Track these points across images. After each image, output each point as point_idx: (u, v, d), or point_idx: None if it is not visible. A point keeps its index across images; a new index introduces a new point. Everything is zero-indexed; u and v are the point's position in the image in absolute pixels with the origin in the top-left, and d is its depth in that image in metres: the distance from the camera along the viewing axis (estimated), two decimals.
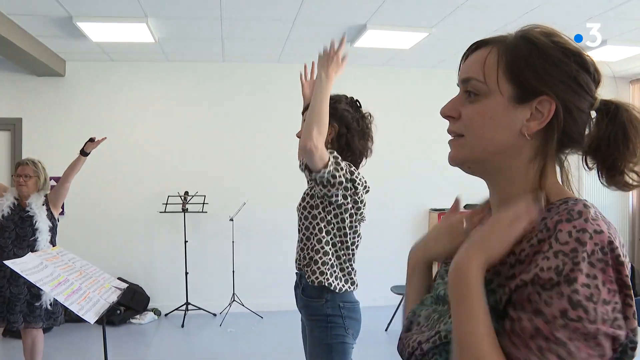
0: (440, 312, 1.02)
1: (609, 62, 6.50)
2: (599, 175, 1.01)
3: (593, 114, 0.99)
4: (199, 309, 6.41)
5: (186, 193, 6.39)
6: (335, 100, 2.44)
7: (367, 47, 6.02)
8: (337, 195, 2.34)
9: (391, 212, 6.87)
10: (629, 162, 0.97)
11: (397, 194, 6.78)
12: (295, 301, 2.58)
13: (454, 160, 1.04)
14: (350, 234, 2.44)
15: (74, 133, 6.57)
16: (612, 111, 0.97)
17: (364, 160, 2.55)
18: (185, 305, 6.36)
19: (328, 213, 2.41)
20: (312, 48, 6.21)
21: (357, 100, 2.55)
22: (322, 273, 2.38)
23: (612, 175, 0.99)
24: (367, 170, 2.55)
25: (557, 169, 1.01)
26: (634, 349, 0.88)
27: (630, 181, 0.98)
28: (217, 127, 6.72)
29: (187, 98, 6.74)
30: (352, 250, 2.48)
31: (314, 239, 2.41)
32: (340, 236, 2.43)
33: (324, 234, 2.40)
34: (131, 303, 6.26)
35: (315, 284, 2.39)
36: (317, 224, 2.41)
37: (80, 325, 5.72)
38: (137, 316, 6.28)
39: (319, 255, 2.39)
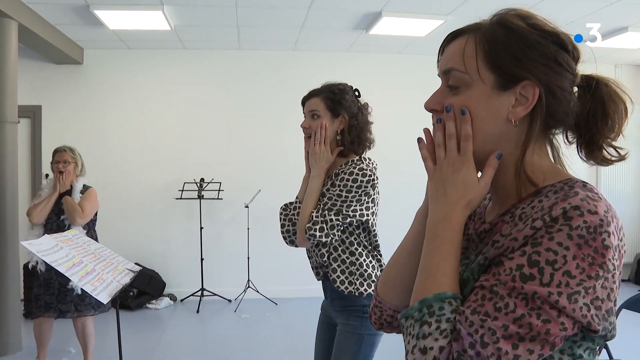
0: None
1: (632, 49, 6.43)
2: (578, 150, 1.01)
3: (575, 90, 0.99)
4: (214, 294, 6.49)
5: (202, 180, 6.44)
6: (342, 90, 2.36)
7: (382, 35, 6.00)
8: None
9: (406, 201, 6.83)
10: (606, 137, 0.97)
11: (411, 183, 6.74)
12: (323, 291, 2.49)
13: None
14: (373, 232, 2.38)
15: (91, 120, 6.67)
16: (593, 86, 0.97)
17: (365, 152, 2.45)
18: (200, 291, 6.43)
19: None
20: (327, 35, 6.26)
21: (356, 89, 2.46)
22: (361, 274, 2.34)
23: (591, 150, 0.99)
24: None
25: (549, 148, 1.01)
26: (603, 337, 0.89)
27: (609, 156, 0.99)
28: (232, 114, 6.75)
29: (203, 85, 6.79)
30: (378, 247, 2.42)
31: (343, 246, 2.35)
32: (368, 238, 2.37)
33: (353, 239, 2.34)
34: (147, 288, 6.34)
35: (354, 278, 2.32)
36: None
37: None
38: (153, 301, 6.36)
39: (355, 265, 2.33)
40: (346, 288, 2.30)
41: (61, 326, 4.69)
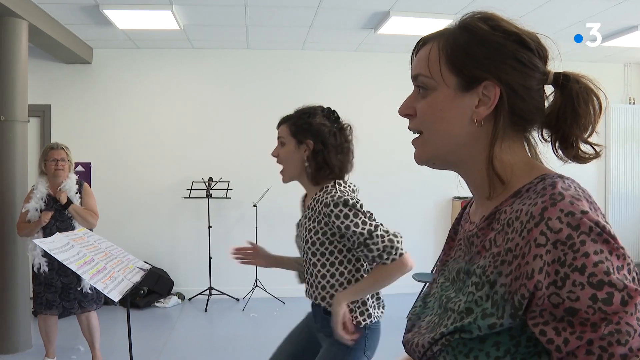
0: (440, 315, 1.01)
1: None
2: (552, 147, 1.01)
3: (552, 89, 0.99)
4: (222, 293, 6.50)
5: (210, 179, 6.46)
6: (309, 114, 2.30)
7: (391, 34, 5.99)
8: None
9: (414, 200, 6.86)
10: (579, 134, 0.96)
11: (420, 182, 6.75)
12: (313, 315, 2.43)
13: (419, 159, 1.06)
14: (363, 264, 2.26)
15: (100, 119, 6.70)
16: (563, 83, 0.97)
17: (346, 176, 2.33)
18: (208, 290, 6.45)
19: (340, 249, 2.23)
20: (335, 35, 6.27)
21: (334, 111, 2.35)
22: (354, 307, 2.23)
23: (564, 147, 0.99)
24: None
25: (526, 146, 1.01)
26: None
27: (582, 154, 0.98)
28: (241, 113, 6.76)
29: (211, 85, 6.80)
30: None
31: (330, 276, 2.23)
32: (356, 266, 2.25)
33: (342, 267, 2.23)
34: (156, 287, 6.37)
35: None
36: (334, 258, 2.23)
37: (108, 308, 5.85)
38: (162, 300, 6.39)
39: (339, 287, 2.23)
40: (321, 299, 2.24)
41: (67, 325, 4.72)
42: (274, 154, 2.35)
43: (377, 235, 2.09)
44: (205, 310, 6.18)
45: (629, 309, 0.76)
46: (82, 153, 6.28)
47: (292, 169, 2.30)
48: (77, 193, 4.22)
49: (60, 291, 4.14)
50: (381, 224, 2.15)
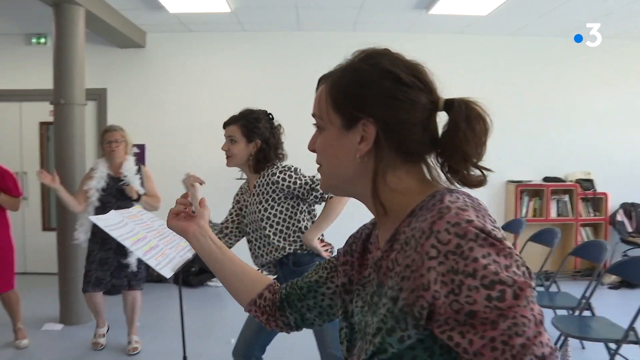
0: (363, 340, 1.02)
1: None
2: (442, 172, 1.04)
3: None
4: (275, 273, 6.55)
5: None
6: (256, 119, 2.88)
7: (443, 14, 5.89)
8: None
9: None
10: (464, 159, 0.99)
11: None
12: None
13: (323, 188, 1.14)
14: (312, 210, 2.95)
15: (154, 101, 6.83)
16: (450, 109, 1.00)
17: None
18: (260, 270, 6.52)
19: (296, 203, 2.85)
20: (386, 16, 6.18)
21: (270, 114, 2.99)
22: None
23: (454, 171, 1.02)
24: None
25: (425, 169, 1.04)
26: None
27: (469, 178, 1.01)
28: (291, 95, 6.75)
29: (262, 67, 6.84)
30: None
31: (294, 226, 2.84)
32: (310, 213, 2.92)
33: (302, 216, 2.86)
34: (206, 265, 6.48)
35: (305, 251, 2.83)
36: (294, 212, 2.84)
37: (160, 285, 6.02)
38: (214, 279, 6.50)
39: (302, 231, 2.84)
40: (289, 245, 2.80)
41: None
42: (224, 149, 2.93)
43: (315, 181, 2.77)
44: None
45: (521, 302, 0.80)
46: (137, 135, 6.38)
47: (239, 161, 2.89)
48: (136, 174, 4.36)
49: (114, 269, 4.30)
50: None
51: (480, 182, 1.01)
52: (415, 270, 0.87)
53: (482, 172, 1.01)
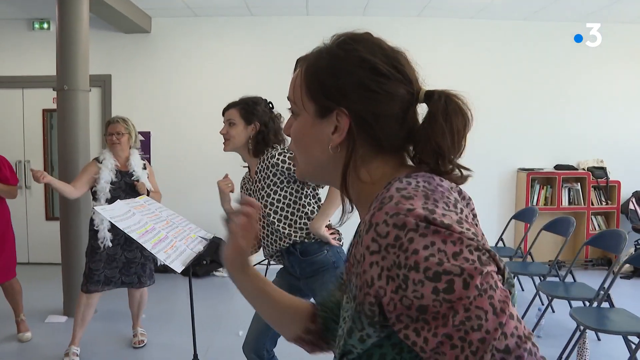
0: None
1: None
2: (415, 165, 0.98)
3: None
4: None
5: None
6: (255, 102, 2.86)
7: None
8: None
9: (478, 171, 6.58)
10: (439, 155, 0.93)
11: (484, 152, 6.50)
12: (290, 267, 2.85)
13: (298, 176, 1.11)
14: (317, 194, 2.84)
15: (159, 88, 6.72)
16: (430, 101, 0.95)
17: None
18: (267, 260, 6.44)
19: (300, 187, 2.75)
20: (395, 0, 6.03)
21: (270, 102, 2.92)
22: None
23: (421, 164, 0.96)
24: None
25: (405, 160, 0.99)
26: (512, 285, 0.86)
27: (451, 174, 0.95)
28: None
29: (270, 52, 6.69)
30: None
31: (299, 211, 2.74)
32: (316, 197, 2.82)
33: (308, 201, 2.77)
34: (215, 256, 6.40)
35: (313, 240, 2.73)
36: (299, 197, 2.75)
37: (166, 276, 5.93)
38: (221, 269, 6.43)
39: (309, 218, 2.74)
40: (295, 233, 2.71)
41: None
42: (222, 132, 2.86)
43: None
44: None
45: (471, 292, 0.73)
46: (142, 122, 6.30)
47: (237, 143, 2.82)
48: (144, 169, 4.23)
49: (122, 266, 4.15)
50: None
51: (456, 180, 0.96)
52: (360, 266, 0.83)
53: (460, 170, 0.96)
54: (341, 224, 1.08)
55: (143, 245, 2.54)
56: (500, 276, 0.78)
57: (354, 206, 1.04)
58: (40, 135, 6.94)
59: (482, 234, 0.84)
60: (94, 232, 4.11)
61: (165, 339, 4.50)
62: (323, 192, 2.82)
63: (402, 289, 0.76)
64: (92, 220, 4.15)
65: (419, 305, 0.75)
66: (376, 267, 0.79)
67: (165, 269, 6.16)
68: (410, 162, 0.99)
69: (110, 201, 4.02)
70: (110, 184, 4.08)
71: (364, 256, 0.82)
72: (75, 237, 4.85)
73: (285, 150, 2.74)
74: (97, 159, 4.17)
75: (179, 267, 2.49)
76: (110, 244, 4.05)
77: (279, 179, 2.72)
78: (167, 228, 2.74)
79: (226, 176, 2.82)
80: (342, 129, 0.95)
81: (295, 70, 1.07)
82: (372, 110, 0.93)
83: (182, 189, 6.63)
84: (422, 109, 0.98)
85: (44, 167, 6.88)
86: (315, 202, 2.81)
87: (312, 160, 1.02)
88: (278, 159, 2.70)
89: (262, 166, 2.78)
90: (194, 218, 3.78)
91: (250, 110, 2.82)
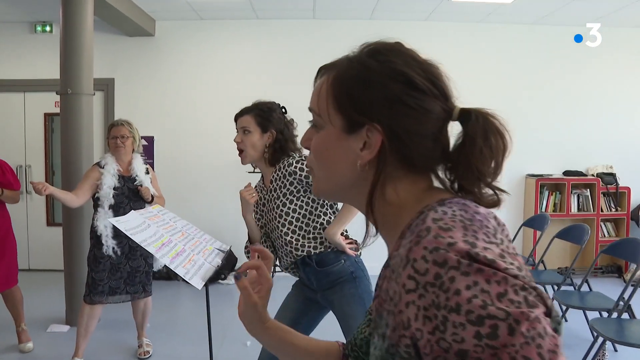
0: None
1: None
2: (452, 189, 0.91)
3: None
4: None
5: None
6: (270, 109, 2.69)
7: (465, 2, 5.71)
8: None
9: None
10: (476, 178, 0.87)
11: None
12: (306, 280, 2.76)
13: (315, 194, 1.02)
14: (334, 204, 2.70)
15: (163, 91, 6.63)
16: (465, 121, 0.88)
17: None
18: (272, 267, 6.33)
19: (307, 201, 2.63)
20: (405, 3, 5.95)
21: (283, 107, 2.78)
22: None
23: (463, 190, 0.89)
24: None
25: (434, 181, 0.93)
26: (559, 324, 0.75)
27: (481, 197, 0.89)
28: (306, 86, 6.55)
29: (276, 57, 6.61)
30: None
31: (315, 222, 2.62)
32: (333, 207, 2.69)
33: (324, 210, 2.64)
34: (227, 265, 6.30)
35: (329, 249, 2.60)
36: (315, 207, 2.61)
37: (168, 283, 5.84)
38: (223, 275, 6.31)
39: (325, 229, 2.62)
40: (309, 243, 2.58)
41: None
42: (236, 140, 2.72)
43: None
44: None
45: (517, 340, 0.65)
46: (146, 127, 6.21)
47: (255, 153, 2.67)
48: (146, 173, 4.12)
49: (127, 276, 4.03)
50: None
51: (493, 204, 0.89)
52: (396, 305, 0.77)
53: (495, 193, 0.89)
54: (364, 246, 0.99)
55: (160, 259, 2.43)
56: (548, 318, 0.70)
57: (378, 229, 0.96)
58: (41, 140, 6.84)
59: (524, 264, 0.77)
60: (96, 240, 3.97)
61: (171, 349, 4.40)
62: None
63: (440, 330, 0.70)
64: (93, 227, 4.01)
65: (459, 349, 0.68)
66: (413, 306, 0.73)
67: (168, 276, 6.07)
68: (436, 183, 0.92)
69: (113, 207, 3.93)
70: (113, 189, 3.96)
71: (400, 295, 0.75)
72: (78, 243, 4.75)
73: (303, 158, 2.62)
74: (98, 164, 4.06)
75: (199, 284, 2.38)
76: (117, 254, 3.95)
77: (295, 187, 2.61)
78: (183, 240, 2.64)
79: (249, 185, 2.67)
80: (374, 146, 0.88)
81: (317, 78, 0.97)
82: (406, 127, 0.87)
83: (185, 193, 6.54)
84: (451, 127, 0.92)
85: (45, 171, 6.79)
86: (332, 213, 2.69)
87: (335, 177, 0.94)
88: (295, 167, 2.59)
89: (278, 175, 2.66)
90: (197, 223, 3.67)
91: (266, 117, 2.67)
